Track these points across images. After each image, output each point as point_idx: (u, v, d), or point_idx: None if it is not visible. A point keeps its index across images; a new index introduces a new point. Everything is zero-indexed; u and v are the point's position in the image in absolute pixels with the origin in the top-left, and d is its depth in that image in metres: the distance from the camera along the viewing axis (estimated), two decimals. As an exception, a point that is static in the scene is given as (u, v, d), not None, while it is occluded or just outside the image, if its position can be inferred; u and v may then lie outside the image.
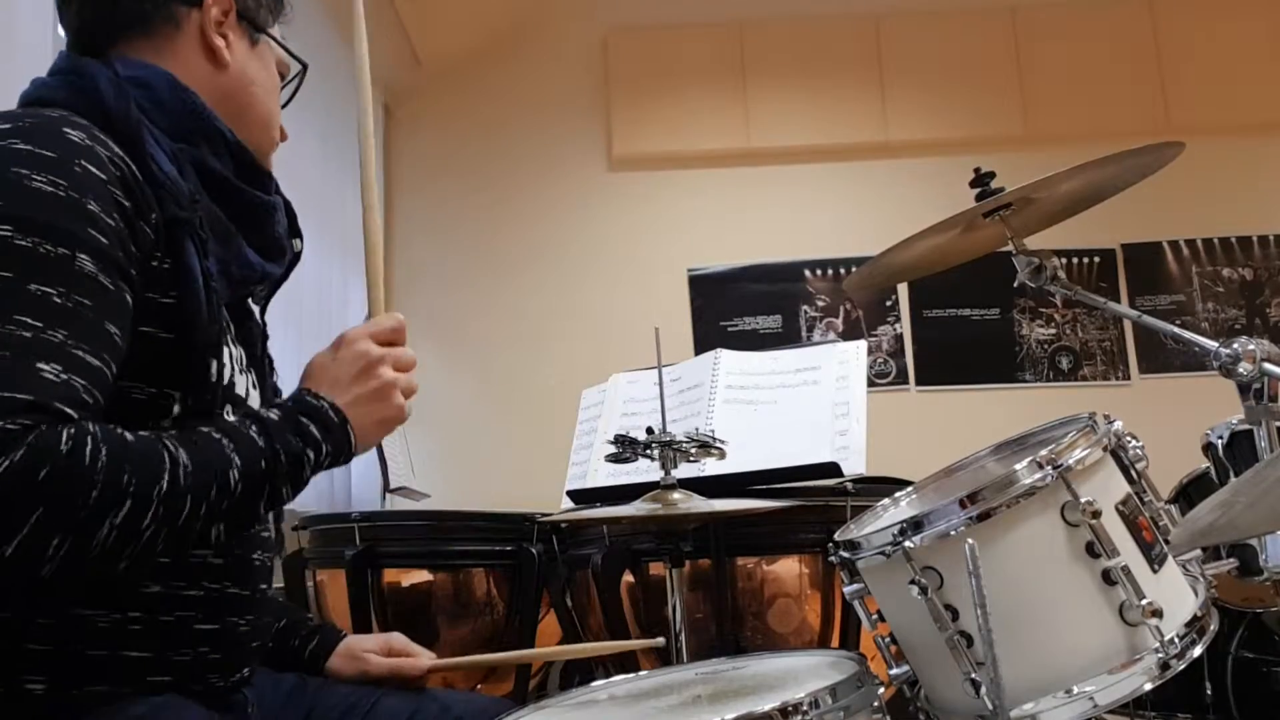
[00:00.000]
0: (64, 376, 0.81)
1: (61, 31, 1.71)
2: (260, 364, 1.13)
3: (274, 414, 0.95)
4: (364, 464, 3.27)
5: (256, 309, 1.17)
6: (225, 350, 1.02)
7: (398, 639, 1.31)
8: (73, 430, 0.79)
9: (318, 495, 2.97)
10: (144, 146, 0.95)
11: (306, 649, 1.27)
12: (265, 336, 1.17)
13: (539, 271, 4.03)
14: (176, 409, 0.94)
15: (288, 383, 1.15)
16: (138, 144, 0.95)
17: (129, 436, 0.83)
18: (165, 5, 1.06)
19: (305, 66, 1.24)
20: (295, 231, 1.18)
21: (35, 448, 0.76)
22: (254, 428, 0.92)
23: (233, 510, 0.88)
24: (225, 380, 1.01)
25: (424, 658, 1.29)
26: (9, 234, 0.82)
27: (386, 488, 2.99)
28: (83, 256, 0.85)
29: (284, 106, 1.21)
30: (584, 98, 4.18)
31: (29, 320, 0.81)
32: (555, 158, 4.14)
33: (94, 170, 0.88)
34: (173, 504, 0.83)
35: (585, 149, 4.15)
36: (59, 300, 0.82)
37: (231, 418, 1.01)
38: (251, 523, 0.97)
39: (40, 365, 0.80)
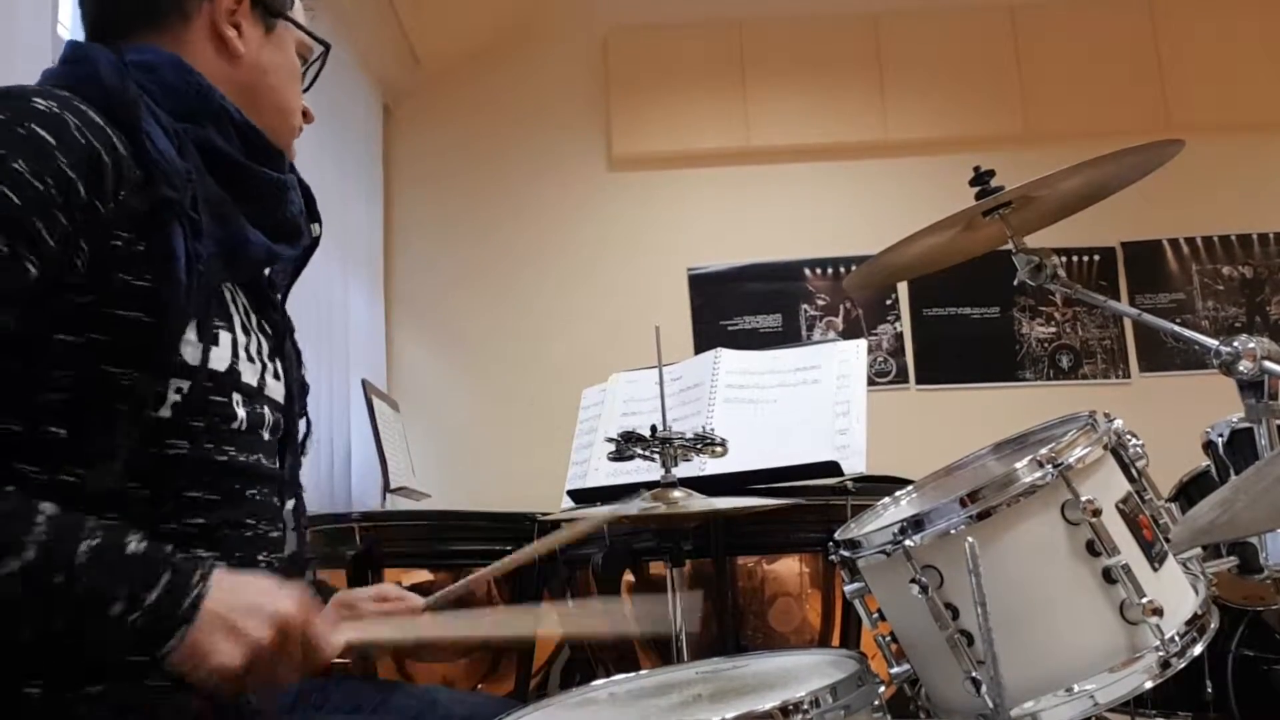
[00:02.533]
0: None
1: (61, 32, 1.71)
2: (283, 354, 1.11)
3: (134, 542, 0.84)
4: (364, 464, 3.27)
5: (278, 298, 1.15)
6: (225, 335, 1.00)
7: (389, 587, 1.29)
8: None
9: (318, 495, 2.97)
10: (140, 124, 0.93)
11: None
12: (290, 328, 1.15)
13: (539, 271, 4.03)
14: (175, 397, 0.92)
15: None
16: (133, 122, 0.93)
17: None
18: None
19: (328, 47, 1.20)
20: (313, 215, 1.15)
21: None
22: (93, 539, 0.81)
23: None
24: (225, 368, 0.98)
25: (416, 600, 1.26)
26: None
27: (387, 488, 2.99)
28: None
29: (306, 90, 1.19)
30: (583, 97, 4.18)
31: None
32: (555, 157, 4.14)
33: (43, 134, 0.86)
34: None
35: (585, 148, 4.15)
36: None
37: (240, 410, 1.00)
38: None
39: None
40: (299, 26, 1.16)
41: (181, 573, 0.85)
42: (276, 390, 1.08)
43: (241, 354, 1.02)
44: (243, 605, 0.86)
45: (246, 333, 1.05)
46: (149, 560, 0.83)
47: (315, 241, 1.16)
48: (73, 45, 1.03)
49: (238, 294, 1.07)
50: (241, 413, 1.01)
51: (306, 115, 1.17)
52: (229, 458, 0.99)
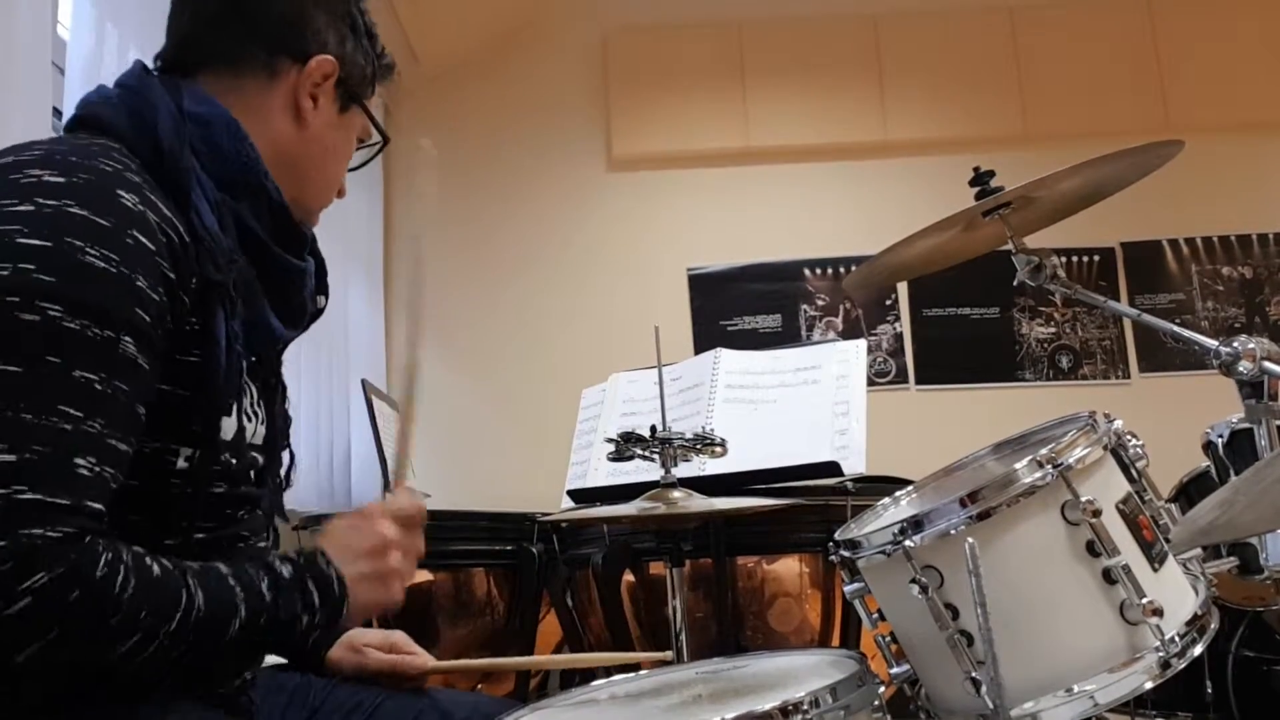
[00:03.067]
0: (97, 469, 0.81)
1: (61, 32, 1.70)
2: (272, 394, 1.11)
3: (286, 570, 0.96)
4: (364, 464, 3.27)
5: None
6: (244, 400, 1.01)
7: (400, 636, 1.30)
8: (109, 555, 0.80)
9: (318, 495, 2.97)
10: (190, 198, 0.93)
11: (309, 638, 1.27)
12: (279, 366, 1.15)
13: (539, 271, 4.03)
14: (182, 464, 0.93)
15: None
16: (184, 194, 0.93)
17: (156, 569, 0.84)
18: (270, 53, 1.05)
19: (387, 140, 1.20)
20: (322, 289, 1.15)
21: (73, 566, 0.78)
22: (265, 580, 0.93)
23: (220, 653, 0.90)
24: (232, 435, 0.99)
25: (424, 658, 1.29)
26: (59, 315, 0.81)
27: (387, 488, 2.99)
28: (126, 339, 0.84)
29: (352, 170, 1.19)
30: (583, 97, 4.18)
31: (71, 411, 0.80)
32: (554, 157, 4.14)
33: (145, 241, 0.86)
34: (175, 643, 0.85)
35: (585, 149, 4.15)
36: (100, 387, 0.82)
37: (234, 461, 1.00)
38: (225, 668, 1.00)
39: (78, 460, 0.80)
40: (371, 118, 1.15)
41: (315, 565, 0.98)
42: (259, 434, 1.09)
43: (244, 416, 1.02)
44: (360, 554, 1.02)
45: (247, 386, 1.05)
46: (297, 574, 0.96)
47: (319, 312, 1.16)
48: (139, 72, 1.02)
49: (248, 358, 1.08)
50: (234, 462, 1.01)
51: (340, 191, 1.18)
52: (222, 491, 1.00)
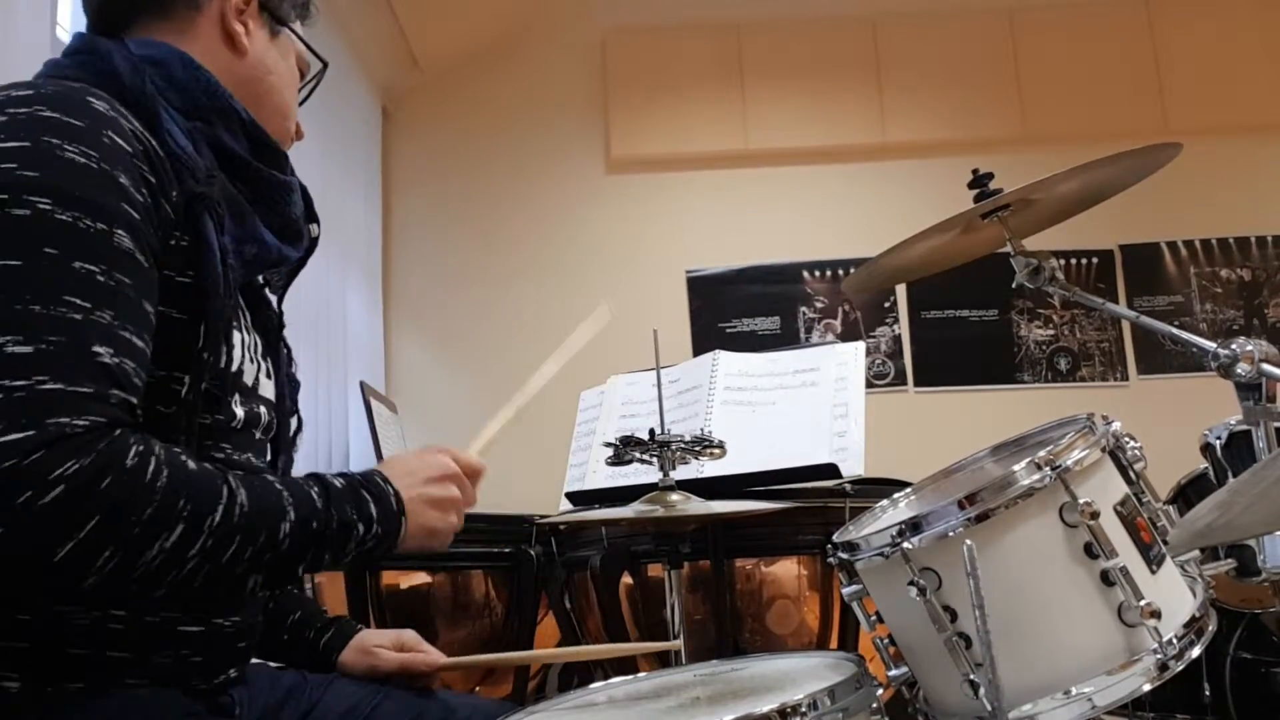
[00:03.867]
0: (116, 360, 0.81)
1: (60, 33, 1.71)
2: (276, 352, 1.12)
3: (338, 481, 0.96)
4: (362, 465, 3.24)
5: (273, 297, 1.16)
6: (237, 335, 1.00)
7: (409, 635, 1.30)
8: (141, 447, 0.80)
9: (316, 497, 2.96)
10: (160, 122, 0.94)
11: (321, 641, 1.26)
12: (282, 325, 1.15)
13: (537, 273, 4.03)
14: (185, 393, 0.92)
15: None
16: (154, 119, 0.94)
17: (192, 464, 0.84)
18: None
19: (325, 65, 1.22)
20: (312, 216, 1.16)
21: (104, 455, 0.77)
22: (315, 488, 0.93)
23: (275, 563, 0.89)
24: (235, 368, 0.99)
25: (435, 656, 1.29)
26: (48, 208, 0.81)
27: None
28: (119, 231, 0.84)
29: (301, 104, 1.20)
30: (582, 99, 4.18)
31: (78, 301, 0.80)
32: (553, 159, 4.14)
33: (120, 142, 0.87)
34: (222, 539, 0.83)
35: (583, 150, 4.15)
36: (103, 279, 0.81)
37: (239, 410, 1.01)
38: (288, 582, 0.97)
39: (96, 349, 0.79)
40: (301, 40, 1.17)
41: (373, 482, 0.98)
42: (268, 389, 1.09)
43: (245, 354, 1.03)
44: (422, 479, 1.03)
45: (248, 331, 1.06)
46: (350, 485, 0.96)
47: (314, 243, 1.17)
48: (80, 37, 1.02)
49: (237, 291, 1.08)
50: (240, 412, 1.01)
51: (298, 131, 1.18)
52: (225, 455, 0.99)
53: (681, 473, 1.58)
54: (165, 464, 0.81)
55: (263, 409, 1.07)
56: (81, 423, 0.77)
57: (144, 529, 0.79)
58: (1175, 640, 1.12)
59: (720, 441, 1.62)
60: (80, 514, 0.76)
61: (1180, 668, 1.11)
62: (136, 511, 0.78)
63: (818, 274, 4.06)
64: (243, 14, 1.09)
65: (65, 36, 1.92)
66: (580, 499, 2.25)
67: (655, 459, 1.56)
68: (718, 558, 1.98)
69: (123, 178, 0.85)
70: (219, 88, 1.03)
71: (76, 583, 0.78)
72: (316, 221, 1.17)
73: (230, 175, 1.00)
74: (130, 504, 0.78)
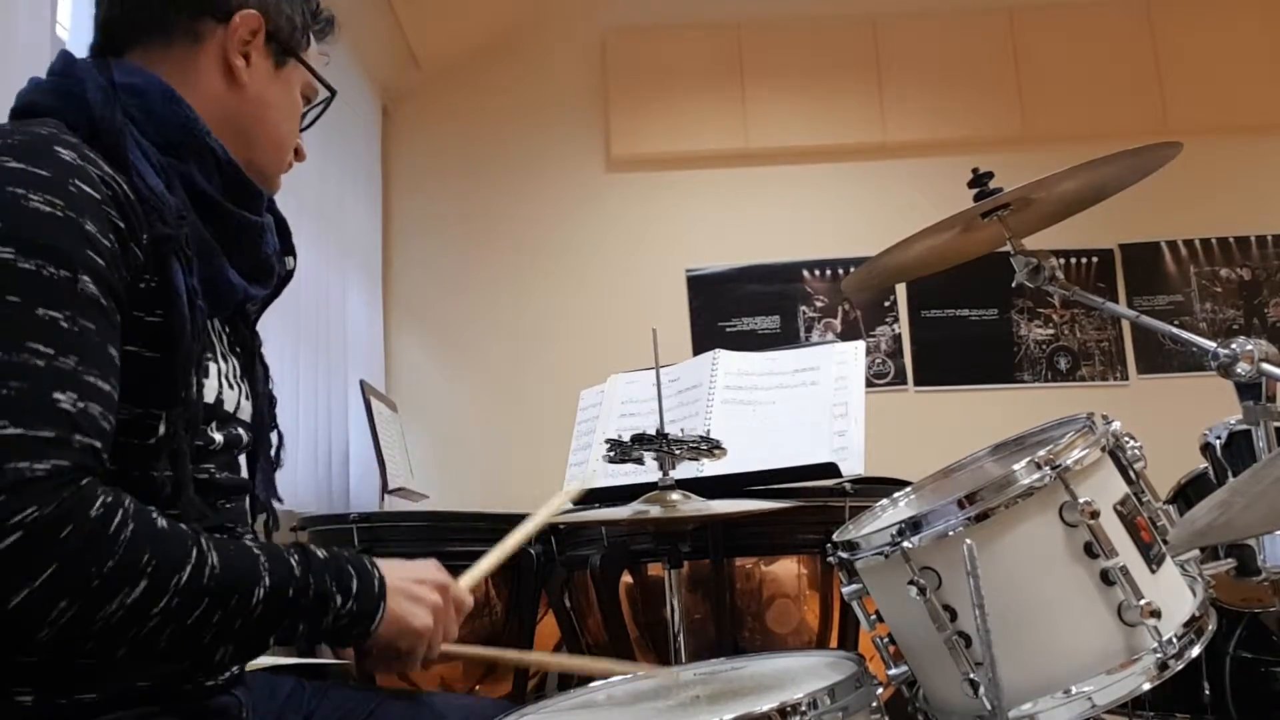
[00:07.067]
0: (80, 405, 0.80)
1: (60, 32, 1.71)
2: (253, 374, 1.12)
3: (321, 552, 0.95)
4: (362, 465, 3.26)
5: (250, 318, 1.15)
6: (214, 366, 1.01)
7: None
8: (109, 499, 0.79)
9: (316, 496, 2.96)
10: (129, 158, 0.93)
11: (341, 628, 1.26)
12: (258, 347, 1.15)
13: (537, 272, 4.03)
14: (162, 428, 0.92)
15: (285, 390, 1.14)
16: (122, 156, 0.93)
17: (162, 522, 0.83)
18: (191, 17, 1.05)
19: (334, 93, 1.20)
20: (288, 249, 1.15)
21: (67, 503, 0.76)
22: (295, 556, 0.92)
23: (245, 630, 0.88)
24: (213, 399, 1.00)
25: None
26: (10, 257, 0.81)
27: (385, 489, 2.98)
28: (84, 278, 0.83)
29: (304, 129, 1.18)
30: (582, 98, 4.18)
31: (40, 347, 0.79)
32: (553, 158, 4.14)
33: (88, 189, 0.86)
34: (189, 599, 0.83)
35: (583, 149, 4.15)
36: (66, 325, 0.81)
37: (218, 435, 1.01)
38: (258, 652, 0.94)
39: (57, 395, 0.79)
40: (310, 69, 1.15)
41: (359, 560, 0.98)
42: (246, 410, 1.09)
43: (223, 382, 1.03)
44: (411, 577, 1.03)
45: (224, 358, 1.06)
46: (335, 558, 0.96)
47: (289, 275, 1.16)
48: (62, 57, 1.02)
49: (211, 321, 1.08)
50: (219, 437, 1.02)
51: (299, 153, 1.17)
52: (209, 476, 1.00)
53: (681, 472, 1.58)
54: (132, 518, 0.80)
55: (241, 430, 1.07)
56: (42, 467, 0.76)
57: (104, 582, 0.78)
58: (1175, 639, 1.12)
59: (720, 441, 1.62)
60: (37, 561, 0.75)
61: (1180, 667, 1.11)
62: (97, 563, 0.78)
63: (818, 273, 4.06)
64: (248, 45, 1.07)
65: (65, 36, 1.92)
66: (580, 498, 2.25)
67: (653, 458, 1.56)
68: (717, 557, 1.98)
69: (89, 224, 0.85)
70: (197, 124, 1.01)
71: (32, 631, 0.77)
72: (293, 254, 1.16)
73: (200, 215, 0.99)
74: (90, 555, 0.77)
